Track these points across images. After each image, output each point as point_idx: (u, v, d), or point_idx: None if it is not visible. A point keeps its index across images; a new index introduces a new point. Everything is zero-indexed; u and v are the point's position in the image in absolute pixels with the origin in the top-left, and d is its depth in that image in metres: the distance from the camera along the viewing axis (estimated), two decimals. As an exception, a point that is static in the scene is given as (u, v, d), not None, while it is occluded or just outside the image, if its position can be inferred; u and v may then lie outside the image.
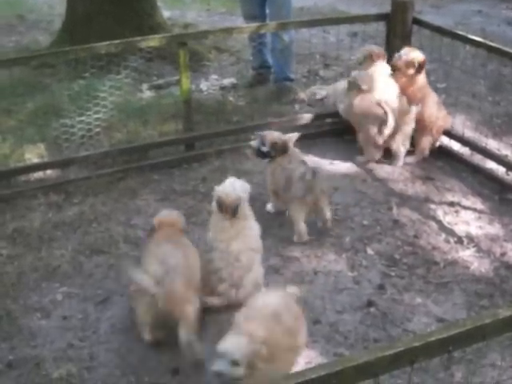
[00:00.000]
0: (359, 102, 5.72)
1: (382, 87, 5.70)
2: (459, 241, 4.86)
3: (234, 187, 4.13)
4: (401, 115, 5.66)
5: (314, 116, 6.26)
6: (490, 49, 5.50)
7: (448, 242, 4.86)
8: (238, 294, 4.06)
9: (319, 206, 4.81)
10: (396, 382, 3.55)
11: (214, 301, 4.09)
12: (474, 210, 5.24)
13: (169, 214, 4.20)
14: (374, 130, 5.65)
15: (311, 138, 6.08)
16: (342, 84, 6.13)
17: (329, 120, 6.38)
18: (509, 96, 7.12)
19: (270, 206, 5.13)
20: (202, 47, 8.24)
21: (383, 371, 2.30)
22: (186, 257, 3.85)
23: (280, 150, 4.90)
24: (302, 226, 4.79)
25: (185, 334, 3.67)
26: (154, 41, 5.71)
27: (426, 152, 5.83)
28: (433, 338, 2.34)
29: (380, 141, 5.69)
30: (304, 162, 4.89)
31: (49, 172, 5.69)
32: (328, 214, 4.88)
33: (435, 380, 3.60)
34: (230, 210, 4.06)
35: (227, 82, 7.52)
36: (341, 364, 2.23)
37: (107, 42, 5.46)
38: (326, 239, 4.87)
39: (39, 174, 5.64)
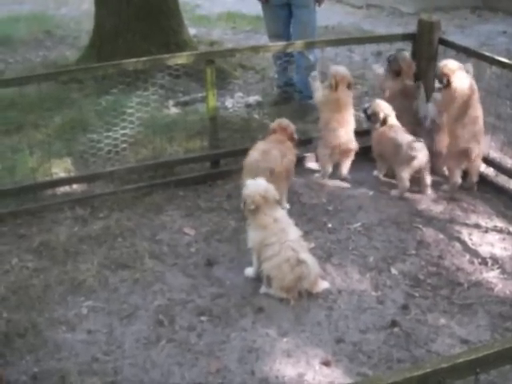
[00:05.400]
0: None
1: None
2: (483, 262, 4.83)
3: None
4: None
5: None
6: (516, 70, 5.51)
7: (472, 263, 4.84)
8: None
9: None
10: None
11: None
12: (499, 231, 5.21)
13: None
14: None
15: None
16: None
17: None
18: (534, 117, 7.09)
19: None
20: (228, 65, 8.32)
21: (410, 392, 2.30)
22: None
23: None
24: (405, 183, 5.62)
25: None
26: (181, 58, 5.77)
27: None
28: (460, 360, 2.33)
29: None
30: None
31: (75, 186, 5.75)
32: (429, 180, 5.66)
33: (459, 402, 3.59)
34: None
35: (252, 99, 7.57)
36: (369, 384, 2.24)
37: (136, 59, 5.52)
38: (350, 258, 4.87)
39: (65, 188, 5.70)
